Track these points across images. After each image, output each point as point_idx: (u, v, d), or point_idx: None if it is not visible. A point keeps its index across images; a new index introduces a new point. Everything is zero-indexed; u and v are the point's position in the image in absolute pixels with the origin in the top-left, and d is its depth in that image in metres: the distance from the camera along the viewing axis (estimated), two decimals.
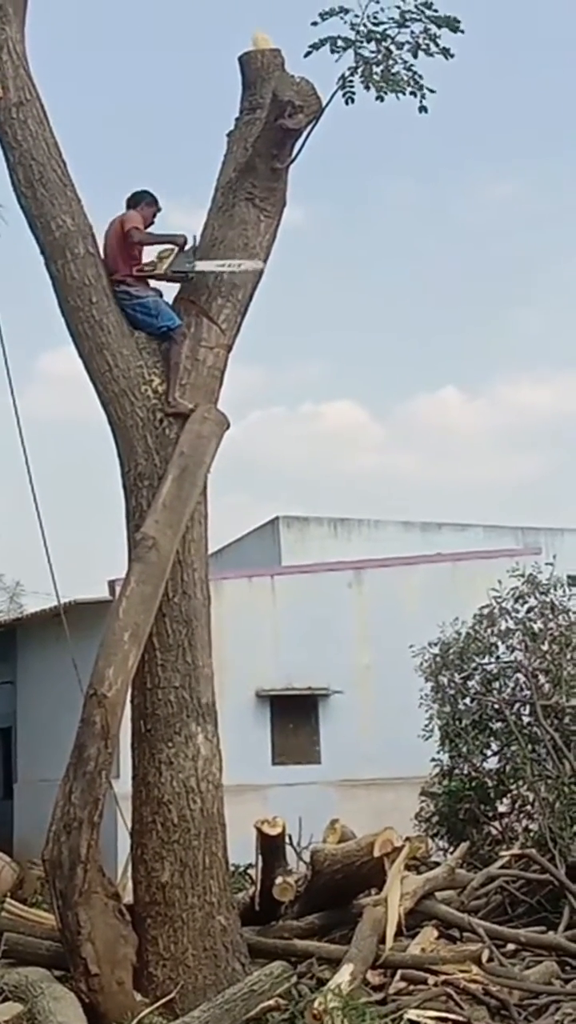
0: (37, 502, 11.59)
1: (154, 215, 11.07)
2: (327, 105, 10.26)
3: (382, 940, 10.22)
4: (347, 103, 10.26)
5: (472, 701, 16.28)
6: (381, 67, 10.10)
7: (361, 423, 56.87)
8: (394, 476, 54.20)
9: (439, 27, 10.09)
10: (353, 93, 10.21)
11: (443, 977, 9.80)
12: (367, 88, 10.15)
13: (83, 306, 10.43)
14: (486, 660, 16.42)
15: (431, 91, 10.24)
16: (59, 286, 10.54)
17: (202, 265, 10.59)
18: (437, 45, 10.15)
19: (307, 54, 10.14)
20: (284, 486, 53.32)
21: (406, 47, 10.18)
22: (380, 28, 10.14)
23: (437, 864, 13.29)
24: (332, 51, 10.06)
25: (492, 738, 16.07)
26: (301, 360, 62.71)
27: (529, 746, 15.05)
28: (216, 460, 10.46)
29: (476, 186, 56.39)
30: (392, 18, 10.14)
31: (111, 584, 18.46)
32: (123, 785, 10.43)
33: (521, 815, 15.61)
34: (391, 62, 10.13)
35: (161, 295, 10.80)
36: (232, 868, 10.93)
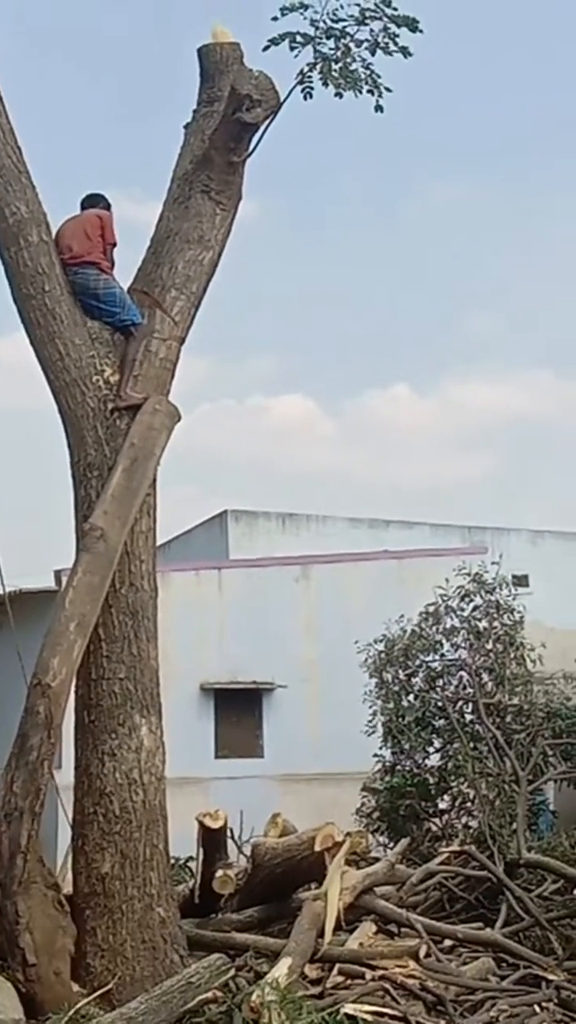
0: None
1: None
2: (285, 100, 10.27)
3: (321, 934, 10.25)
4: (305, 99, 10.28)
5: (416, 698, 16.40)
6: (340, 64, 10.12)
7: (311, 418, 56.87)
8: (343, 472, 54.25)
9: (398, 26, 10.12)
10: (311, 89, 10.23)
11: (380, 972, 9.83)
12: (325, 85, 10.17)
13: (36, 294, 10.36)
14: (431, 658, 16.54)
15: (388, 90, 10.28)
16: (12, 273, 10.46)
17: None
18: (396, 44, 10.19)
19: (265, 48, 10.13)
20: (233, 479, 53.25)
21: (365, 45, 10.21)
22: (340, 25, 10.17)
23: (377, 859, 13.35)
24: (291, 47, 10.07)
25: (435, 735, 16.19)
26: (252, 353, 62.68)
27: (471, 744, 15.17)
28: (166, 452, 10.45)
29: (428, 185, 56.58)
30: (352, 15, 10.17)
31: (57, 574, 18.43)
32: (65, 776, 10.39)
33: (461, 812, 15.74)
34: (349, 59, 10.16)
35: None
36: (173, 860, 10.92)
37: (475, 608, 16.50)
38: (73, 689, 9.60)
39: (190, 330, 10.80)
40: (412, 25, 10.08)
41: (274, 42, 10.11)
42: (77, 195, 11.19)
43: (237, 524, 26.21)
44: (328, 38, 10.15)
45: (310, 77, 10.17)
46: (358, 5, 10.12)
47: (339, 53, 10.16)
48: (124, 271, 10.90)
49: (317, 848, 11.13)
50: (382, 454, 57.88)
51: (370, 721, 16.80)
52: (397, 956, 10.27)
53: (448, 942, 11.28)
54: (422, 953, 10.36)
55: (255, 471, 52.50)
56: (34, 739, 8.84)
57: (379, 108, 10.32)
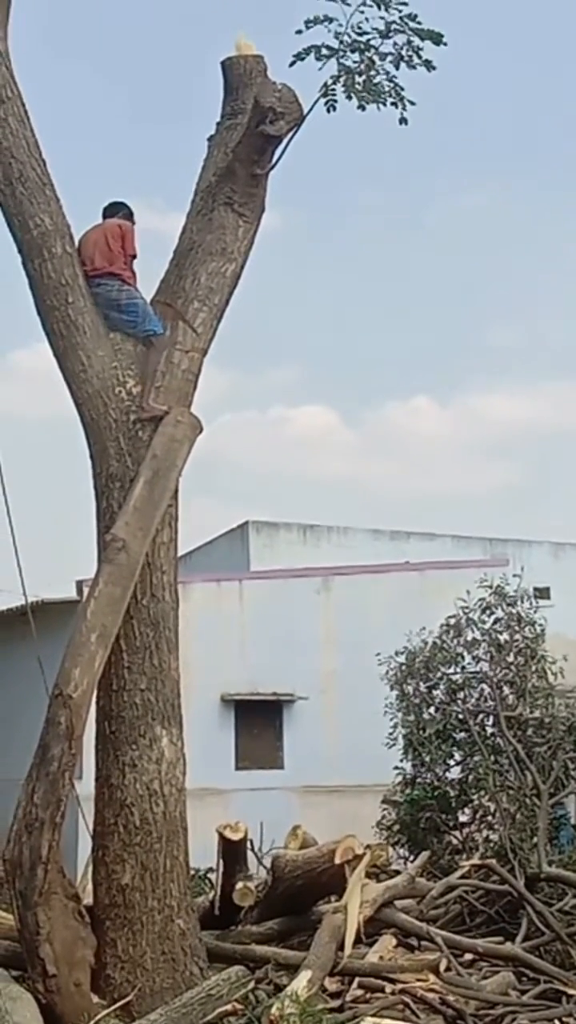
0: (7, 499, 11.59)
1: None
2: (308, 113, 10.29)
3: (341, 947, 10.24)
4: (329, 111, 10.30)
5: (436, 711, 16.35)
6: (363, 77, 10.15)
7: (332, 428, 56.87)
8: (364, 483, 54.20)
9: (422, 40, 10.14)
10: (335, 101, 10.25)
11: (400, 985, 9.82)
12: (349, 98, 10.19)
13: (59, 305, 10.40)
14: (452, 670, 16.49)
15: (411, 103, 10.30)
16: (36, 285, 10.50)
17: None
18: (420, 57, 10.21)
19: (292, 64, 10.17)
20: (254, 490, 53.21)
21: (389, 58, 10.23)
22: (364, 38, 10.19)
23: (397, 872, 13.35)
24: (317, 59, 10.09)
25: (455, 748, 16.15)
26: (274, 364, 62.74)
27: (492, 757, 15.12)
28: (187, 463, 10.46)
29: (449, 196, 56.57)
30: (376, 29, 10.19)
31: (79, 584, 18.45)
32: (86, 786, 10.41)
33: (482, 825, 15.69)
34: (373, 72, 10.18)
35: None
36: (193, 872, 10.93)
37: (496, 620, 16.44)
38: (94, 700, 9.61)
39: (212, 342, 10.82)
40: (436, 38, 10.10)
41: (300, 57, 10.15)
42: (100, 206, 11.24)
43: (258, 535, 26.21)
44: (353, 51, 10.17)
45: (334, 90, 10.19)
46: (382, 18, 10.15)
47: (363, 66, 10.18)
48: (147, 282, 10.96)
49: (337, 861, 11.12)
50: (403, 465, 57.86)
51: (391, 733, 16.76)
52: (417, 970, 10.25)
53: (468, 956, 11.26)
54: (442, 967, 10.35)
55: (277, 482, 52.54)
56: (55, 750, 8.85)
57: (403, 120, 10.34)
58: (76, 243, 10.62)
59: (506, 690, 15.91)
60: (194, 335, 10.60)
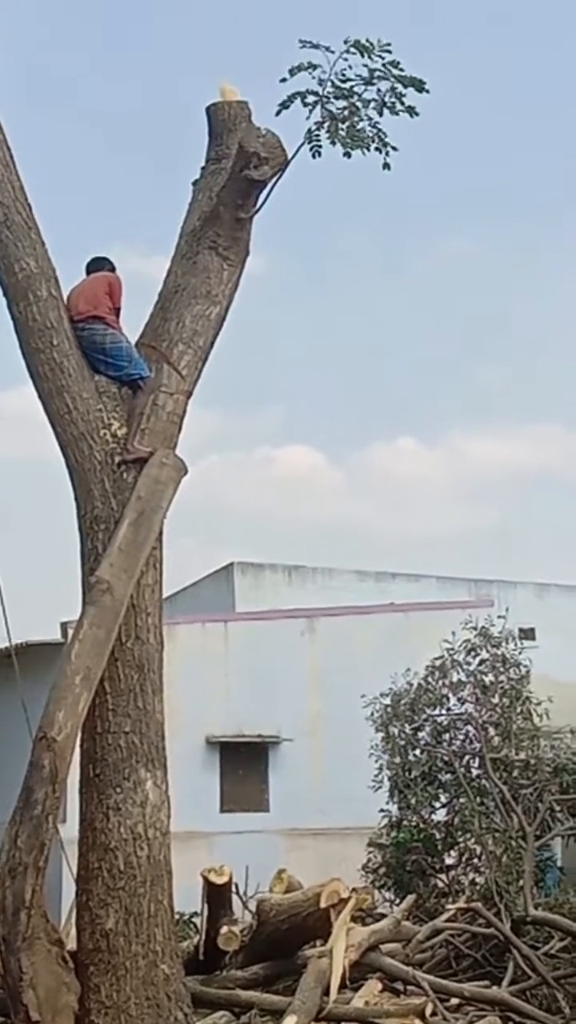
0: None
1: None
2: (292, 158, 10.38)
3: (326, 992, 10.18)
4: (314, 157, 10.38)
5: (422, 752, 16.33)
6: (347, 123, 10.23)
7: (317, 469, 56.98)
8: (350, 523, 54.23)
9: (405, 87, 10.22)
10: (319, 147, 10.34)
11: None
12: (332, 143, 10.27)
13: (44, 348, 10.42)
14: (437, 712, 16.48)
15: (395, 149, 10.39)
16: (21, 328, 10.53)
17: None
18: (403, 104, 10.28)
19: (278, 112, 10.26)
20: (239, 531, 53.20)
21: (372, 105, 10.32)
22: (347, 85, 10.27)
23: (383, 916, 13.26)
24: (304, 105, 10.17)
25: (441, 790, 16.12)
26: (259, 405, 62.87)
27: (478, 799, 15.09)
28: (173, 505, 10.47)
29: (435, 238, 56.92)
30: (360, 75, 10.28)
31: (63, 626, 18.43)
32: (70, 830, 10.34)
33: (468, 868, 15.63)
34: (357, 119, 10.26)
35: None
36: (177, 916, 10.84)
37: (481, 662, 16.46)
38: (78, 743, 9.58)
39: (198, 384, 10.86)
40: (419, 86, 10.18)
41: (285, 105, 10.23)
42: (86, 248, 11.32)
43: (243, 577, 26.25)
44: (337, 98, 10.25)
45: (318, 136, 10.28)
46: (366, 66, 10.23)
47: (346, 112, 10.27)
48: (131, 325, 11.00)
49: (323, 904, 11.07)
50: (388, 505, 57.96)
51: (376, 776, 16.72)
52: (403, 1014, 10.17)
53: (454, 1000, 11.18)
54: (428, 1011, 10.27)
55: (262, 523, 52.56)
56: (39, 793, 8.82)
57: (386, 166, 10.42)
58: (62, 287, 10.67)
59: (491, 732, 15.90)
60: (179, 377, 10.63)
